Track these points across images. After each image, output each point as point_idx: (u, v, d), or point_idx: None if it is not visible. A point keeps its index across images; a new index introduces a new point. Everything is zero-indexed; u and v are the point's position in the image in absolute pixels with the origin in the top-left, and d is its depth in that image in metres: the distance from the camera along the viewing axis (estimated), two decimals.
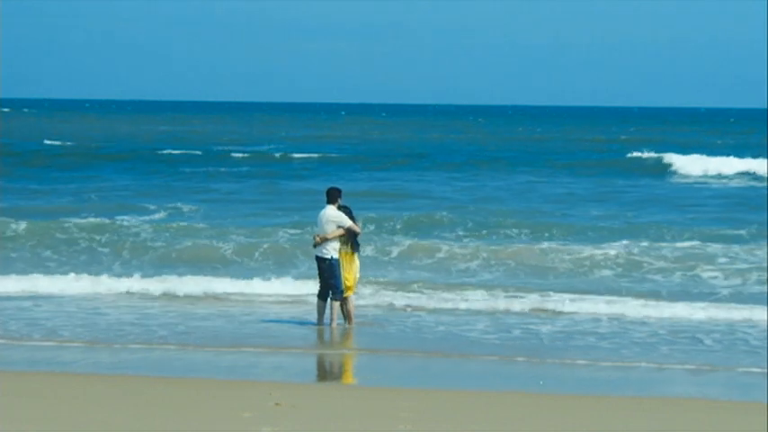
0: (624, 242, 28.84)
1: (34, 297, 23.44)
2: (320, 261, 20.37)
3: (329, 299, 20.46)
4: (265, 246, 28.49)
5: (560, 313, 21.91)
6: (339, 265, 20.22)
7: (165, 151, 64.04)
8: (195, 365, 17.59)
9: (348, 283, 20.37)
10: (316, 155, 63.38)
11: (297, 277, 25.20)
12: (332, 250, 20.26)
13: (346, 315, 20.48)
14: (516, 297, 23.27)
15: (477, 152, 69.72)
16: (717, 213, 36.80)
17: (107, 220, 31.78)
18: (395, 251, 28.13)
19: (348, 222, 20.27)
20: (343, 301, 20.44)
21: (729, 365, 17.68)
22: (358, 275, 20.67)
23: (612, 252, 27.38)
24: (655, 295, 23.62)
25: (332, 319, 20.44)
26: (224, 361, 17.86)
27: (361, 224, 20.83)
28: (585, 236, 30.84)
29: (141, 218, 33.42)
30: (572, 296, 23.07)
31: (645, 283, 25.33)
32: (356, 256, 20.49)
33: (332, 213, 20.38)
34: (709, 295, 23.59)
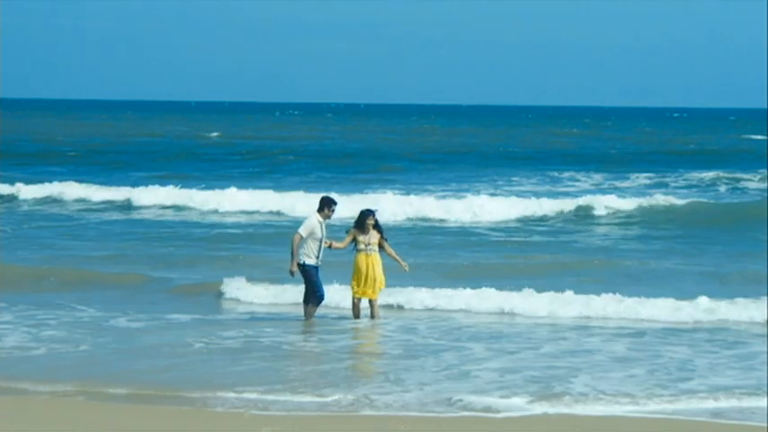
0: None
1: None
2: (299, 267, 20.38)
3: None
4: None
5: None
6: (312, 269, 20.25)
7: None
8: None
9: (381, 285, 20.59)
10: None
11: None
12: (303, 256, 20.20)
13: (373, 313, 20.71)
14: None
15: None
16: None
17: None
18: None
19: (300, 228, 20.33)
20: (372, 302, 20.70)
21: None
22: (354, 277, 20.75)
23: None
24: None
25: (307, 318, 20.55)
26: None
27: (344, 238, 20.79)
28: None
29: None
30: None
31: None
32: (369, 256, 20.58)
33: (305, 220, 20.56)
34: None
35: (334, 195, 21.75)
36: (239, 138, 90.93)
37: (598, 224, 37.17)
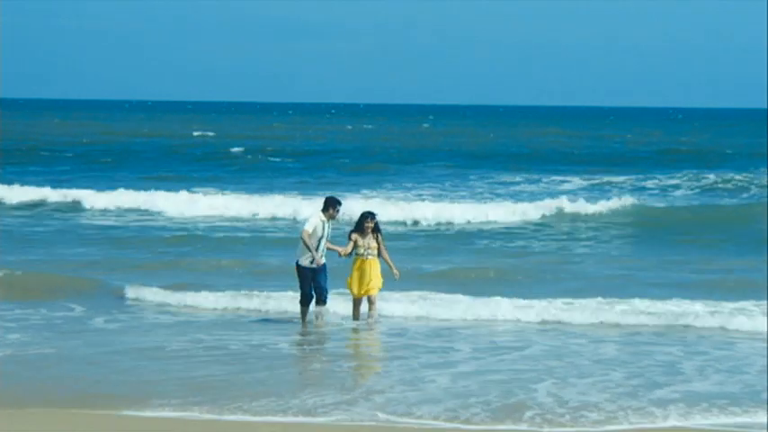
0: None
1: None
2: None
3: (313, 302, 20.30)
4: None
5: None
6: (305, 271, 20.01)
7: None
8: None
9: (379, 285, 20.31)
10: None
11: None
12: (300, 256, 20.12)
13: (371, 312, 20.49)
14: None
15: None
16: None
17: None
18: None
19: (306, 224, 20.19)
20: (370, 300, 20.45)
21: None
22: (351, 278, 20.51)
23: None
24: None
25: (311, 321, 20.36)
26: None
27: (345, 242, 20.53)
28: None
29: None
30: None
31: None
32: (368, 261, 20.32)
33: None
34: None
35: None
36: (235, 137, 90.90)
37: (566, 226, 36.77)
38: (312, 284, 20.14)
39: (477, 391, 15.10)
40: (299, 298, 20.33)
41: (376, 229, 20.44)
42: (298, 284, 20.35)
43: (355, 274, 20.32)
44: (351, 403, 14.54)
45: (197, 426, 13.61)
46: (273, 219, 38.26)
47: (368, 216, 20.52)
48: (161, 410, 14.16)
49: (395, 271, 20.34)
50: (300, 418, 13.89)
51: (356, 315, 20.60)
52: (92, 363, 16.92)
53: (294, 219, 37.58)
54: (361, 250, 20.31)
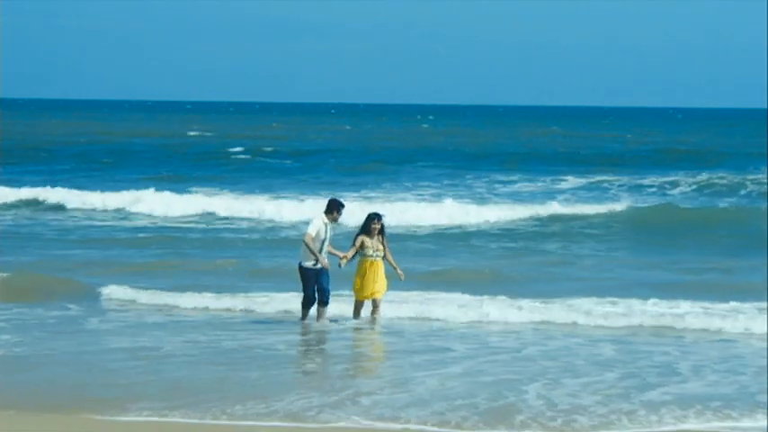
0: None
1: None
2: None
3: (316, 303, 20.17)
4: None
5: None
6: (308, 272, 19.87)
7: None
8: None
9: (384, 287, 20.22)
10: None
11: None
12: (302, 258, 20.03)
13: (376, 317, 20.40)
14: None
15: None
16: None
17: None
18: None
19: (309, 227, 20.06)
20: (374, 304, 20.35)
21: None
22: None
23: None
24: None
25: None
26: None
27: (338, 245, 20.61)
28: None
29: None
30: None
31: None
32: (375, 262, 20.17)
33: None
34: None
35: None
36: (234, 137, 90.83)
37: (564, 226, 36.56)
38: (315, 286, 20.06)
39: (465, 394, 14.89)
40: (302, 300, 20.26)
41: (382, 231, 20.30)
42: (297, 286, 20.27)
43: (366, 276, 20.16)
44: (336, 406, 14.30)
45: (176, 430, 13.48)
46: (271, 219, 38.18)
47: (374, 217, 20.36)
48: (141, 414, 13.95)
49: (399, 272, 20.23)
50: (285, 423, 13.71)
51: (357, 315, 20.47)
52: (82, 364, 16.77)
53: (280, 219, 37.59)
54: (370, 251, 20.16)
